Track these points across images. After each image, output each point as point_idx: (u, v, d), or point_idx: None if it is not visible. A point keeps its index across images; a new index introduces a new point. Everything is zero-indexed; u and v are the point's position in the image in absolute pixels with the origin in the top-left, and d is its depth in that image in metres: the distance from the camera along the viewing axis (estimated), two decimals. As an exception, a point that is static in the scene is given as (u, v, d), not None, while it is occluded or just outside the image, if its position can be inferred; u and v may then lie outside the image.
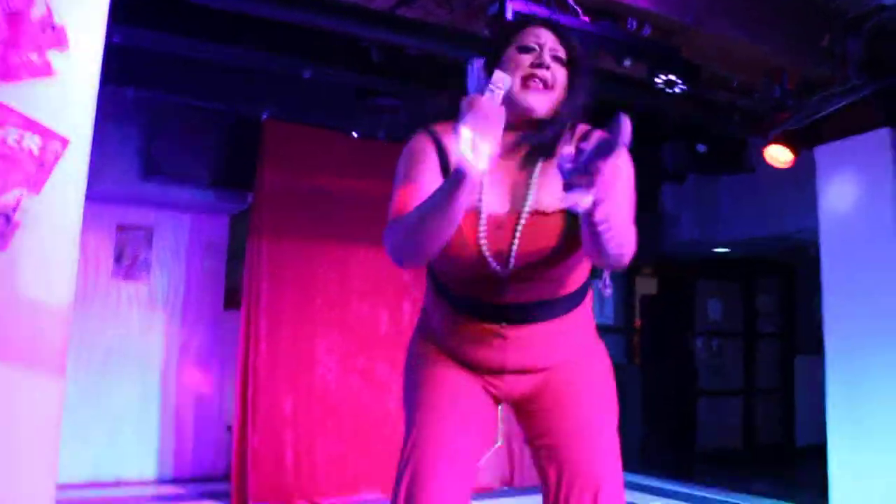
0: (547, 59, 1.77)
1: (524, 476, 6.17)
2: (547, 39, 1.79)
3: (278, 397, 5.33)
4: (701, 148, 6.20)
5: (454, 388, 1.89)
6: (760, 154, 5.52)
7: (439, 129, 1.88)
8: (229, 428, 5.60)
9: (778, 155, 5.44)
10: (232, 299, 6.15)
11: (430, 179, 1.76)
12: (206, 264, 6.34)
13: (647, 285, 8.97)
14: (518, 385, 1.92)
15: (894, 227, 4.90)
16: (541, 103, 1.77)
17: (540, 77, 1.76)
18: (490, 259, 1.77)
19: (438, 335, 1.94)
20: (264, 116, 5.32)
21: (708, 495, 6.00)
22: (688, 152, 6.32)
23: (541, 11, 3.54)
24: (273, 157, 5.43)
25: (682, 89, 4.43)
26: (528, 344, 1.86)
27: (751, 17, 4.29)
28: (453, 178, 1.55)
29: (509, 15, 3.45)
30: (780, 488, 6.47)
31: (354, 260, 5.67)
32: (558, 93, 1.79)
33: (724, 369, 9.12)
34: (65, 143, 2.26)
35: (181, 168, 5.65)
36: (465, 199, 1.58)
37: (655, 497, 5.88)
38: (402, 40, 4.27)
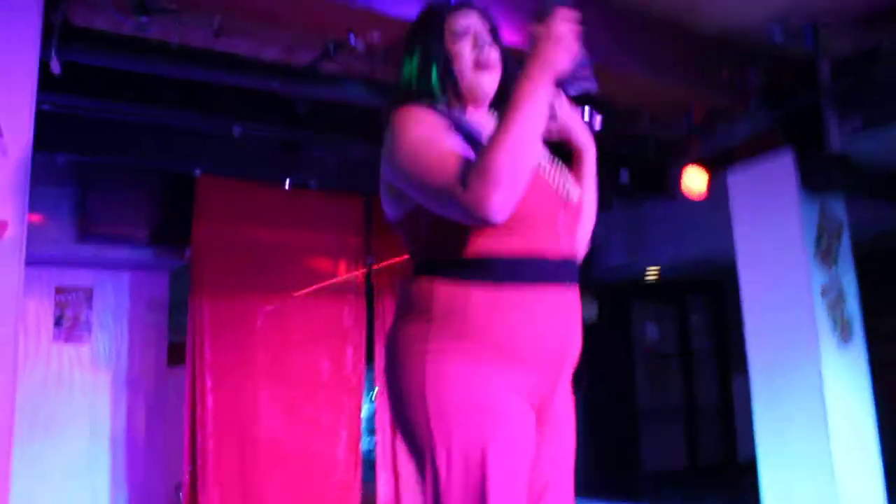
0: (489, 39, 1.76)
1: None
2: (476, 23, 1.78)
3: (227, 452, 5.36)
4: (623, 177, 6.47)
5: (523, 424, 1.59)
6: (678, 181, 5.81)
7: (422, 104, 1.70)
8: (178, 486, 5.61)
9: (692, 181, 5.73)
10: (176, 355, 6.18)
11: (454, 138, 1.61)
12: (148, 321, 6.38)
13: (586, 311, 9.18)
14: (551, 390, 1.69)
15: (803, 243, 5.19)
16: (494, 82, 1.78)
17: (487, 57, 1.75)
18: (556, 188, 1.72)
19: (486, 333, 1.56)
20: (197, 173, 5.42)
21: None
22: (612, 180, 6.58)
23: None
24: (208, 211, 5.53)
25: (599, 125, 4.66)
26: (578, 319, 1.70)
27: (653, 54, 4.56)
28: (540, 68, 1.53)
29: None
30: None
31: (293, 309, 5.77)
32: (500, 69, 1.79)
33: (664, 390, 9.35)
34: (3, 225, 2.36)
35: (117, 227, 5.71)
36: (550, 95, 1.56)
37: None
38: (325, 93, 4.43)
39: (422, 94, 1.73)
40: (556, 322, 1.64)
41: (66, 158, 5.09)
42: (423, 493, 1.56)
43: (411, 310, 1.63)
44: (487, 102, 1.81)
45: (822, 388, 5.00)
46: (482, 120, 1.79)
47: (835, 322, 5.20)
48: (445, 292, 1.59)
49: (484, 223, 1.50)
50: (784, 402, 5.19)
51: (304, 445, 5.65)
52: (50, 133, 4.79)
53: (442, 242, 1.62)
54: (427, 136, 1.59)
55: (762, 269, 5.43)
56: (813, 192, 5.28)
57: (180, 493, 5.46)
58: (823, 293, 5.20)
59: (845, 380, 5.08)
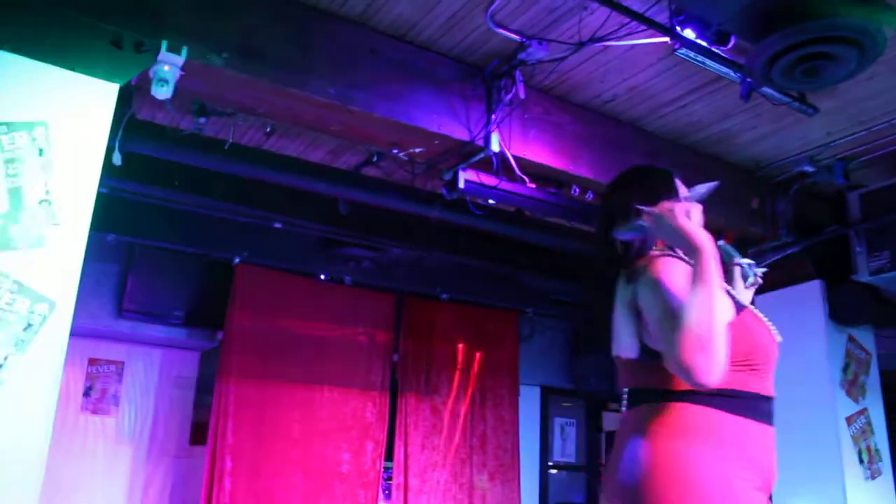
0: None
1: None
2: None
3: (241, 536, 5.38)
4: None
5: None
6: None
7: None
8: (190, 566, 5.61)
9: (721, 304, 5.76)
10: (199, 434, 6.24)
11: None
12: (174, 398, 6.46)
13: (612, 421, 9.12)
14: None
15: (830, 372, 5.19)
16: None
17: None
18: (771, 332, 2.06)
19: (737, 466, 1.80)
20: (236, 261, 5.60)
21: None
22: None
23: (490, 181, 3.91)
24: (243, 298, 5.69)
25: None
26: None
27: (688, 181, 4.69)
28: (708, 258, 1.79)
29: (461, 184, 3.82)
30: None
31: (318, 400, 5.85)
32: None
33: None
34: (51, 306, 2.51)
35: (155, 307, 5.88)
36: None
37: None
38: (366, 197, 4.61)
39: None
40: (770, 455, 1.90)
41: (115, 238, 5.31)
42: None
43: (672, 430, 1.84)
44: None
45: (844, 518, 4.94)
46: None
47: (861, 454, 5.15)
48: (707, 426, 1.83)
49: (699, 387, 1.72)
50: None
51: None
52: (103, 213, 5.04)
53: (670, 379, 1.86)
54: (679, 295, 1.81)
55: (786, 395, 5.35)
56: (841, 323, 5.31)
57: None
58: (850, 424, 5.17)
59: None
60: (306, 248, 5.64)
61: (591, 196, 4.38)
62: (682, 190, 2.18)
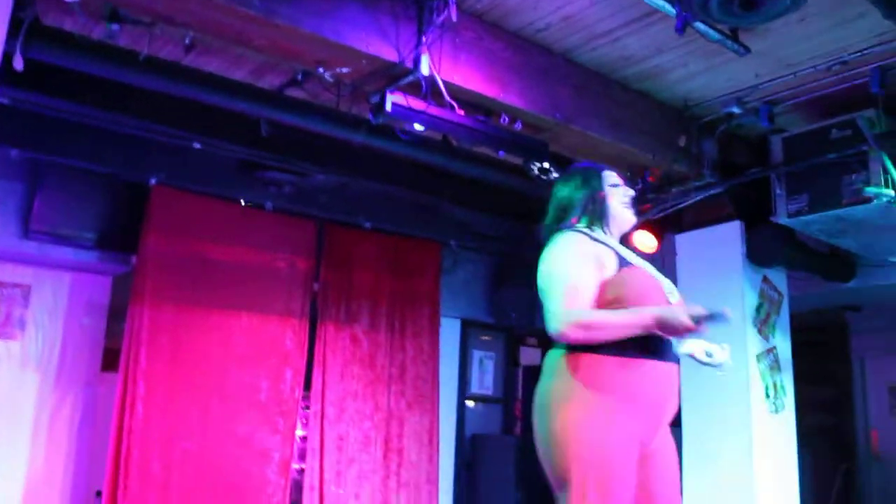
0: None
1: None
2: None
3: (153, 463, 5.25)
4: (576, 228, 6.57)
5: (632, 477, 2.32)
6: (630, 238, 5.92)
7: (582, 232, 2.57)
8: (99, 493, 5.48)
9: (644, 240, 5.86)
10: (110, 361, 6.07)
11: (593, 278, 2.44)
12: (85, 324, 6.26)
13: (530, 356, 9.25)
14: (655, 442, 2.43)
15: (743, 310, 5.33)
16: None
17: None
18: (664, 288, 2.53)
19: (625, 395, 2.32)
20: (152, 182, 5.38)
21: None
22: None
23: (418, 105, 3.80)
24: (159, 221, 5.47)
25: (555, 176, 4.76)
26: (676, 387, 2.48)
27: (615, 117, 4.68)
28: (668, 326, 2.32)
29: (388, 107, 3.70)
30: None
31: (236, 326, 5.71)
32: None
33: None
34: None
35: (64, 227, 5.62)
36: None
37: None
38: (290, 119, 4.44)
39: (580, 220, 2.62)
40: (662, 389, 2.41)
41: (20, 154, 5.02)
42: None
43: (562, 375, 2.37)
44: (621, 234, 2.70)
45: (751, 453, 5.13)
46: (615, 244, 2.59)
47: (767, 390, 5.33)
48: (609, 362, 2.33)
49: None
50: (714, 465, 5.31)
51: (234, 463, 5.56)
52: (5, 126, 4.75)
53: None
54: (570, 270, 2.43)
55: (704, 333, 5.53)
56: (757, 264, 5.43)
57: (100, 500, 5.34)
58: (759, 360, 5.33)
59: (774, 446, 5.19)
60: (226, 171, 5.45)
61: (520, 126, 4.32)
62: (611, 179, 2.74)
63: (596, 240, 2.54)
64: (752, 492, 5.07)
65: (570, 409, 2.31)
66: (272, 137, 4.83)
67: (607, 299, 2.39)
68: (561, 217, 2.66)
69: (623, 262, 2.51)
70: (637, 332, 2.31)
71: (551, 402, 2.36)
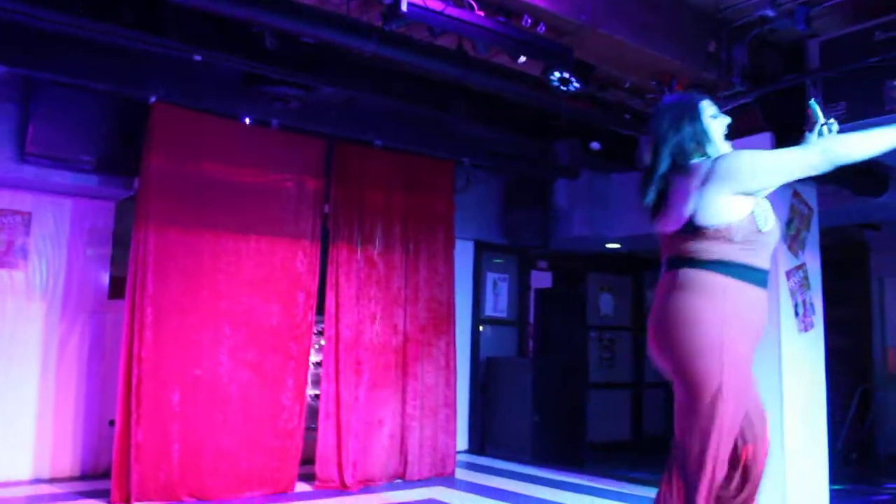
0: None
1: (417, 470, 6.17)
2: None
3: (164, 390, 5.13)
4: (594, 145, 6.33)
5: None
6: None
7: None
8: (112, 422, 5.38)
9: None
10: (117, 288, 5.90)
11: None
12: (89, 252, 6.09)
13: (541, 279, 9.12)
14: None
15: (773, 227, 5.11)
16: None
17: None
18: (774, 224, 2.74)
19: (749, 319, 2.59)
20: (152, 99, 5.12)
21: (596, 485, 6.13)
22: (581, 149, 6.44)
23: (435, 5, 3.52)
24: (161, 142, 5.23)
25: (575, 87, 4.50)
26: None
27: (643, 21, 4.38)
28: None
29: (404, 7, 3.42)
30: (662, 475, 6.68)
31: (245, 249, 5.53)
32: None
33: (614, 363, 9.36)
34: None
35: (61, 150, 5.39)
36: None
37: (548, 487, 5.98)
38: (295, 27, 4.15)
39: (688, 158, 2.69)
40: (760, 312, 2.66)
41: (9, 71, 4.75)
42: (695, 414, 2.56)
43: (695, 289, 2.59)
44: None
45: (780, 367, 5.00)
46: None
47: (797, 307, 5.17)
48: (730, 290, 2.56)
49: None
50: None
51: (246, 390, 5.45)
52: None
53: (737, 251, 2.58)
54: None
55: (728, 249, 5.35)
56: (787, 177, 5.19)
57: (112, 431, 5.23)
58: (789, 278, 5.15)
59: (802, 363, 5.06)
60: (229, 87, 5.18)
61: (543, 29, 4.03)
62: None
63: None
64: (781, 411, 4.95)
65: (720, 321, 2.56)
66: (277, 49, 4.54)
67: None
68: (676, 156, 2.70)
69: None
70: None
71: (674, 317, 2.63)
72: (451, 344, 6.53)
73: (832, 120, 2.72)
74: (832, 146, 2.58)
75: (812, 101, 2.77)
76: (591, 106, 5.49)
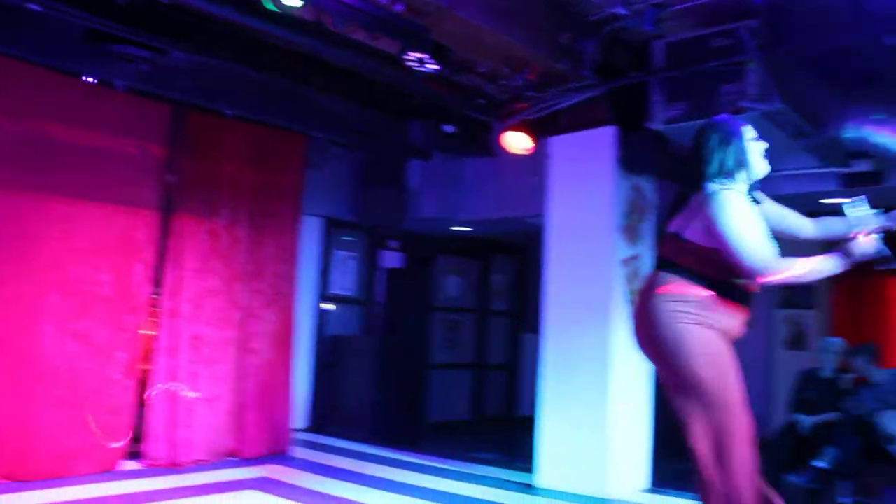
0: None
1: (252, 447, 6.06)
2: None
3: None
4: (448, 128, 6.38)
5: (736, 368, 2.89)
6: (501, 139, 5.81)
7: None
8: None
9: (517, 141, 5.75)
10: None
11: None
12: None
13: (393, 259, 9.12)
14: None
15: (612, 216, 5.33)
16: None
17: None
18: None
19: (721, 325, 2.85)
20: (-19, 50, 4.73)
21: (435, 464, 6.22)
22: (435, 131, 6.48)
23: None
24: (-8, 95, 4.85)
25: (431, 69, 4.51)
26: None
27: (499, 7, 4.45)
28: (842, 260, 2.75)
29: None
30: (500, 456, 6.87)
31: (79, 216, 5.21)
32: None
33: (457, 344, 9.52)
34: None
35: None
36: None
37: (385, 466, 6.01)
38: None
39: (731, 175, 2.90)
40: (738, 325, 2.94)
41: None
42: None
43: (680, 296, 2.85)
44: None
45: (609, 352, 5.25)
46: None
47: (629, 294, 5.41)
48: (711, 297, 2.83)
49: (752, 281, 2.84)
50: (571, 363, 5.40)
51: (73, 363, 5.14)
52: None
53: (716, 270, 2.83)
54: (746, 216, 2.78)
55: (569, 236, 5.56)
56: (628, 170, 5.43)
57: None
58: (623, 266, 5.39)
59: (630, 348, 5.28)
60: (71, 42, 4.83)
61: (401, 8, 4.01)
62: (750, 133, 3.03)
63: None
64: (606, 388, 5.23)
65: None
66: (127, 6, 4.30)
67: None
68: (720, 170, 2.91)
69: None
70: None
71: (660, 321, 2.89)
72: (294, 321, 6.44)
73: (856, 203, 2.94)
74: (778, 264, 2.74)
75: (844, 206, 2.96)
76: (447, 89, 5.53)
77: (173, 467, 5.52)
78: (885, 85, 5.02)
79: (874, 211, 2.88)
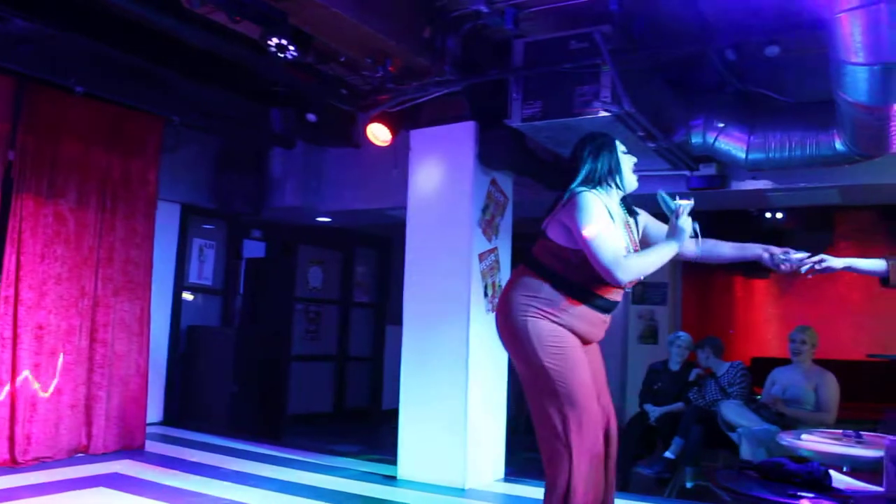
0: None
1: (102, 443, 5.82)
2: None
3: None
4: (311, 117, 6.31)
5: (586, 364, 3.10)
6: (364, 130, 5.81)
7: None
8: None
9: (377, 133, 5.77)
10: None
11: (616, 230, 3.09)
12: None
13: (256, 249, 8.97)
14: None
15: (470, 210, 5.42)
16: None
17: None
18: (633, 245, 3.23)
19: (570, 324, 3.05)
20: None
21: (295, 457, 6.15)
22: (298, 119, 6.40)
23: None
24: None
25: (293, 56, 4.45)
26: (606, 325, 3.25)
27: (363, -3, 4.43)
28: (677, 242, 3.11)
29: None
30: (362, 448, 6.88)
31: None
32: None
33: (319, 336, 9.46)
34: None
35: None
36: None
37: (243, 459, 5.91)
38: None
39: (600, 183, 3.16)
40: (596, 330, 3.19)
41: None
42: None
43: (533, 291, 3.09)
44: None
45: (467, 346, 5.33)
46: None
47: (487, 289, 5.52)
48: (561, 299, 3.06)
49: (614, 286, 3.05)
50: (431, 356, 5.47)
51: None
52: None
53: (571, 271, 3.06)
54: (601, 220, 2.97)
55: (429, 229, 5.61)
56: (486, 166, 5.53)
57: None
58: (481, 260, 5.49)
59: (488, 341, 5.38)
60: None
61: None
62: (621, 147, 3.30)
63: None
64: (465, 380, 5.30)
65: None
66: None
67: None
68: (587, 177, 3.16)
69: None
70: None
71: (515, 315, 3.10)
72: (147, 310, 6.22)
73: (679, 201, 3.13)
74: (630, 265, 2.95)
75: (658, 194, 3.17)
76: (310, 77, 5.47)
77: (14, 466, 5.22)
78: (726, 95, 5.34)
79: (688, 201, 3.12)
